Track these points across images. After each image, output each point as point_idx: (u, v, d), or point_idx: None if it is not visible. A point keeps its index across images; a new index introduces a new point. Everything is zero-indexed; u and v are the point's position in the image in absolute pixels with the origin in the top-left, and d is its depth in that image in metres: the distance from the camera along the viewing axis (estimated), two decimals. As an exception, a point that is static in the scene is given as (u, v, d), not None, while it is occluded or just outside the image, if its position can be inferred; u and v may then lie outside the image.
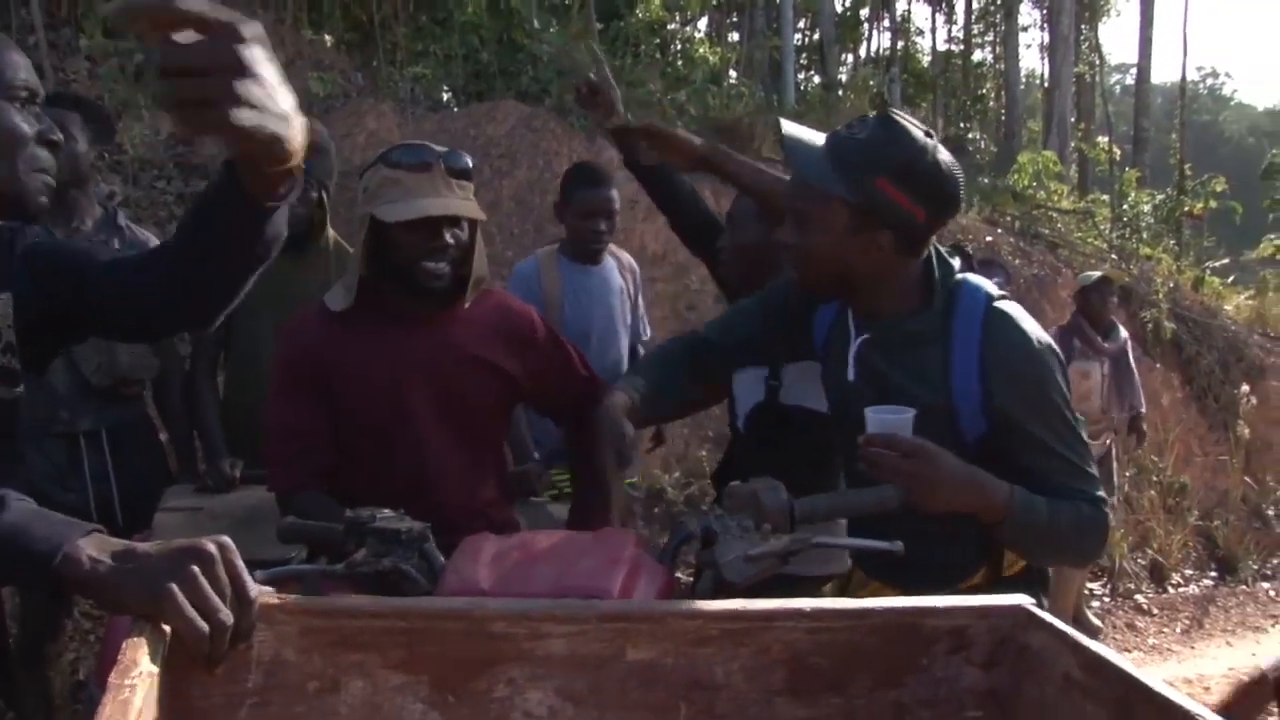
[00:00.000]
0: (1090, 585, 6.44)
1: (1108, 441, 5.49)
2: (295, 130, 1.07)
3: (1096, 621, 5.88)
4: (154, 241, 3.12)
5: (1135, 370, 5.44)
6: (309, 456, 1.99)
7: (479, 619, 1.14)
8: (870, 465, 1.61)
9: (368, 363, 2.03)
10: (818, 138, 1.72)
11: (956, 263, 1.79)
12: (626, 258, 3.74)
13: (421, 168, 2.00)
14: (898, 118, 1.67)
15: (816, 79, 17.23)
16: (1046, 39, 20.31)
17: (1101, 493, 1.73)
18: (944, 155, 1.68)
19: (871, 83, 13.77)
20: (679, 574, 1.91)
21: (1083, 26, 20.21)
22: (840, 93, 12.80)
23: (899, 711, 1.37)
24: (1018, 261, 8.51)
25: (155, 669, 0.94)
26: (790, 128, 1.72)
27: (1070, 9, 17.93)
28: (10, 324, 1.37)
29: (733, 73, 12.87)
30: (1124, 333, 5.51)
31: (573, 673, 1.19)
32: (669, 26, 13.72)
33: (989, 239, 8.67)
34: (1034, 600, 1.79)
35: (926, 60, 21.53)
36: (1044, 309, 7.60)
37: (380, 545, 1.46)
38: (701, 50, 12.42)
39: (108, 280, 1.40)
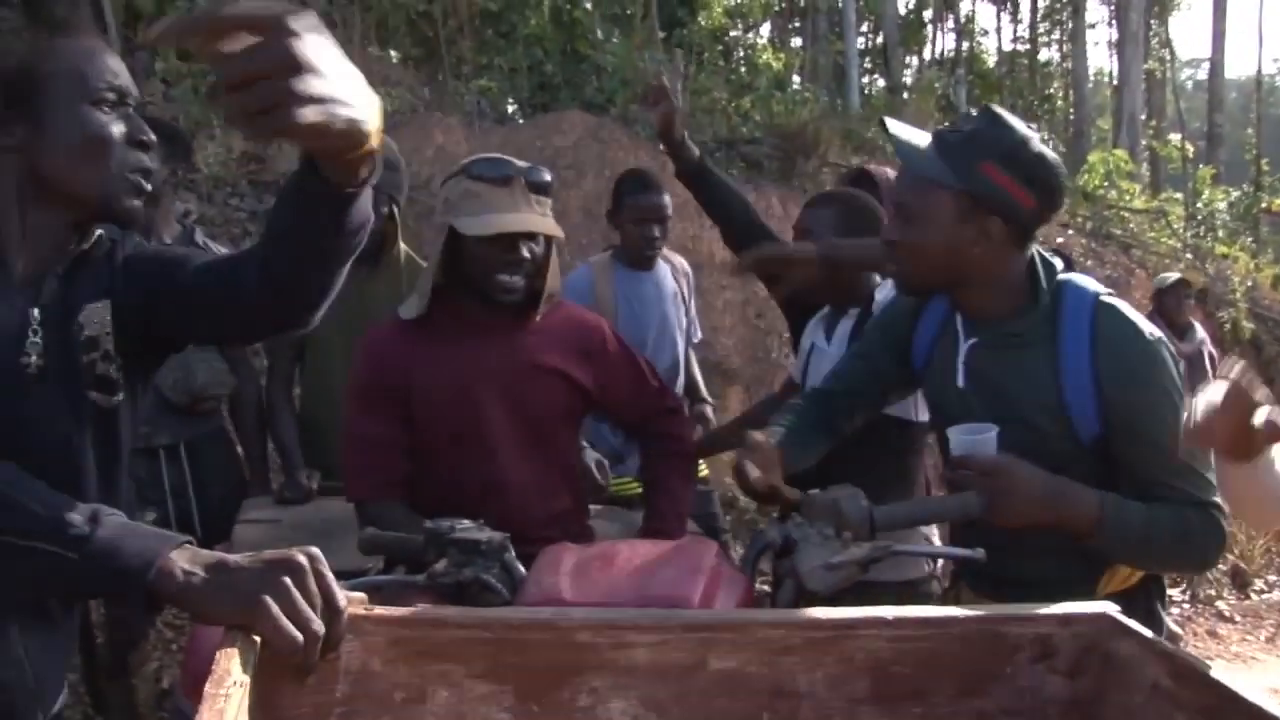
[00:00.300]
0: (1170, 591, 6.29)
1: None
2: (368, 112, 1.02)
3: (1176, 629, 5.74)
4: None
5: (1210, 372, 5.32)
6: (385, 466, 2.02)
7: (563, 629, 1.15)
8: (952, 488, 1.63)
9: (441, 371, 2.06)
10: (923, 135, 1.73)
11: (1059, 263, 1.78)
12: (680, 261, 3.76)
13: (502, 182, 2.02)
14: (1000, 111, 1.69)
15: (881, 82, 17.12)
16: (1115, 35, 19.94)
17: (1216, 497, 1.67)
18: (1046, 147, 1.69)
19: (936, 85, 13.63)
20: (758, 584, 1.91)
21: (1152, 21, 19.82)
22: (905, 95, 12.69)
23: (983, 719, 1.36)
24: (1090, 263, 8.38)
25: (247, 679, 0.96)
26: (896, 126, 1.72)
27: (1139, 4, 17.59)
28: (109, 331, 1.37)
29: (796, 78, 12.85)
30: (1201, 333, 5.40)
31: (656, 682, 1.19)
32: (732, 33, 13.74)
33: (1060, 240, 8.54)
34: (1147, 609, 1.79)
35: (992, 61, 21.26)
36: (1119, 310, 7.45)
37: (461, 556, 1.48)
38: (765, 56, 12.39)
39: (205, 282, 1.39)
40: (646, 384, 2.25)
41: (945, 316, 1.86)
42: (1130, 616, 1.75)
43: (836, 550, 1.39)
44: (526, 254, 2.03)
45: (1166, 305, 5.25)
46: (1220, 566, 6.79)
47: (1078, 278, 1.76)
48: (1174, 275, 5.34)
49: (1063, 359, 1.67)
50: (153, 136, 1.35)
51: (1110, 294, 1.74)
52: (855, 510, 1.44)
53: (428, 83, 7.41)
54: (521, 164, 2.08)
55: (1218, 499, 1.67)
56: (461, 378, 2.06)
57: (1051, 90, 20.41)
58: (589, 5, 8.11)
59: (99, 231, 1.41)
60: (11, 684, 1.38)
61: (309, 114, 0.92)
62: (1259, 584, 6.84)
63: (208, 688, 0.90)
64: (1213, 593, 6.51)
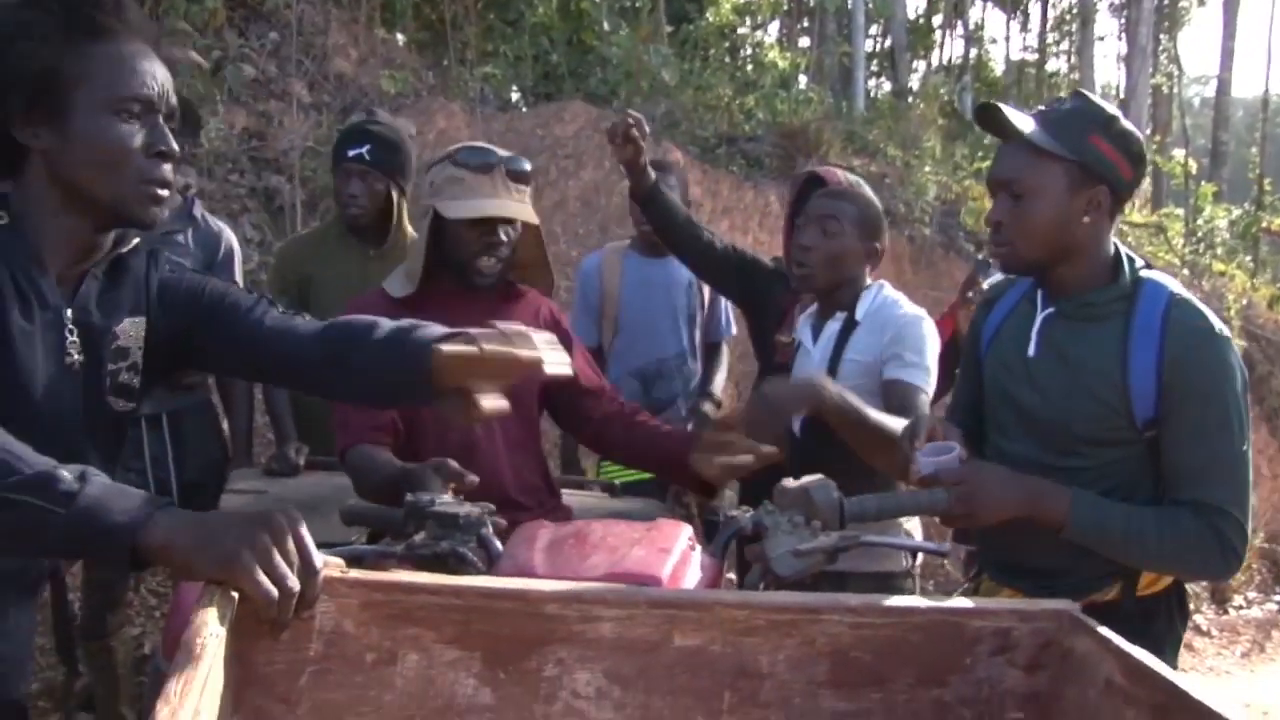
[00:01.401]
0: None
1: None
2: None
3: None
4: (227, 232, 3.21)
5: None
6: (370, 417, 2.08)
7: (532, 600, 1.18)
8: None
9: None
10: (1026, 118, 1.81)
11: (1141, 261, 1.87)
12: None
13: (484, 169, 2.13)
14: (1088, 93, 1.81)
15: (887, 86, 17.10)
16: (1124, 49, 19.94)
17: (1234, 509, 1.71)
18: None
19: (942, 90, 13.63)
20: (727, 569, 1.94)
21: (1161, 36, 19.82)
22: (910, 100, 12.69)
23: (941, 710, 1.39)
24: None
25: (224, 631, 0.99)
26: (1007, 109, 1.79)
27: (1149, 19, 17.57)
28: (140, 346, 1.44)
29: (803, 78, 12.83)
30: None
31: (621, 656, 1.22)
32: (739, 31, 13.72)
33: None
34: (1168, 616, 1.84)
35: (1000, 69, 21.24)
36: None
37: (439, 529, 1.51)
38: (771, 55, 12.37)
39: (266, 340, 1.49)
40: (594, 369, 2.37)
41: (1023, 294, 1.95)
42: (1147, 626, 1.81)
43: (805, 538, 1.42)
44: (504, 238, 2.14)
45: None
46: (1201, 582, 6.84)
47: (1161, 274, 1.84)
48: None
49: (1133, 335, 1.75)
50: (175, 147, 1.36)
51: (1188, 292, 1.81)
52: (825, 500, 1.47)
53: (432, 67, 7.41)
54: (504, 153, 2.19)
55: (1234, 510, 1.71)
56: None
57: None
58: (596, -3, 8.14)
59: (136, 239, 1.46)
60: (6, 657, 1.43)
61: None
62: (1238, 599, 6.88)
63: (185, 636, 0.93)
64: (1191, 607, 6.55)
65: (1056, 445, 1.80)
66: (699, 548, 1.52)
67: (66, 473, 1.08)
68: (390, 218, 2.99)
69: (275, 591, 1.03)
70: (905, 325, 2.30)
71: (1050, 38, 21.82)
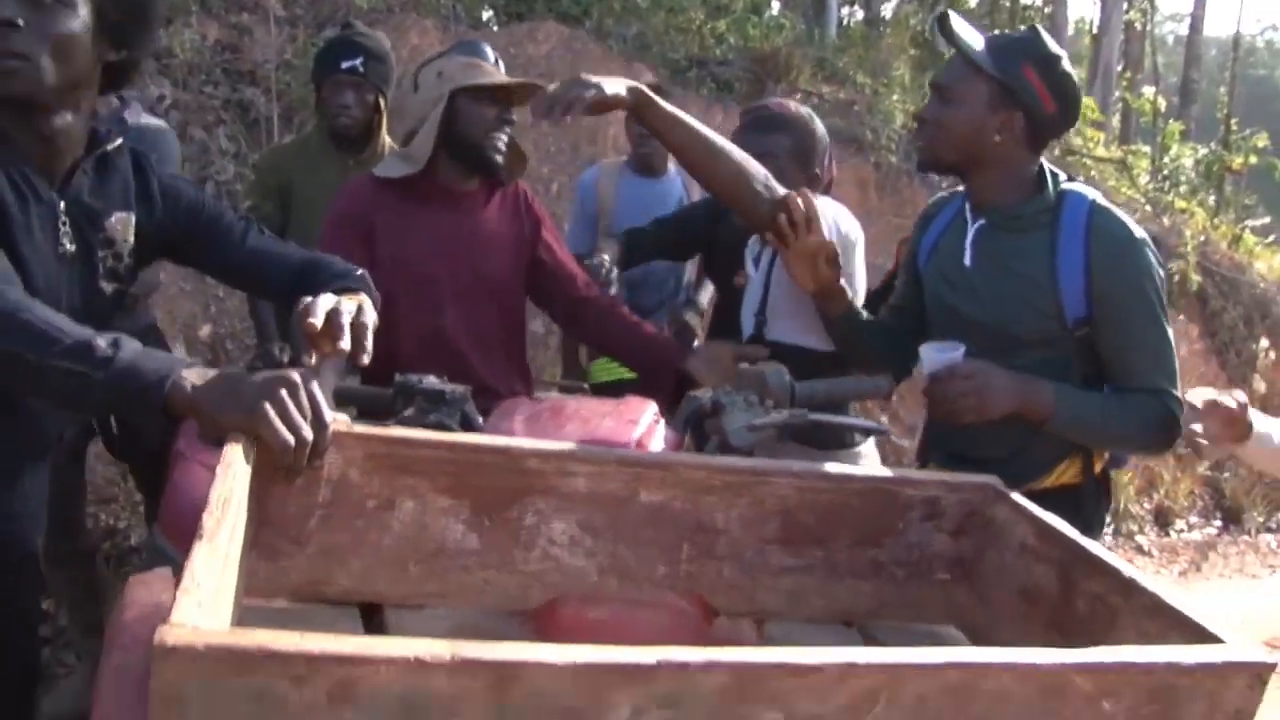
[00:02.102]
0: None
1: None
2: None
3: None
4: (166, 134, 3.12)
5: None
6: None
7: (514, 455, 1.33)
8: (932, 402, 1.84)
9: (411, 230, 2.27)
10: (978, 35, 1.97)
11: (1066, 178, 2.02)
12: None
13: (489, 59, 2.37)
14: (1044, 32, 1.96)
15: (860, 15, 17.05)
16: (1097, -17, 19.89)
17: (1175, 390, 1.90)
18: (1074, 71, 1.97)
19: (914, 21, 13.63)
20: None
21: (1135, -29, 19.79)
22: (882, 29, 12.71)
23: (876, 568, 1.56)
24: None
25: (249, 468, 1.13)
26: (957, 21, 1.95)
27: (1122, -47, 17.56)
28: (126, 239, 1.59)
29: (776, 4, 12.78)
30: None
31: (592, 508, 1.38)
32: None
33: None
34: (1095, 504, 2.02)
35: (974, 1, 21.17)
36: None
37: (427, 404, 1.64)
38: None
39: (246, 265, 1.71)
40: (570, 262, 2.49)
41: (956, 211, 2.10)
42: (1077, 510, 1.99)
43: (759, 415, 1.57)
44: (512, 118, 2.31)
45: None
46: (1146, 505, 7.13)
47: (1082, 185, 2.01)
48: None
49: (1060, 243, 1.91)
50: (5, 14, 1.38)
51: (1107, 201, 1.97)
52: (778, 382, 1.62)
53: (405, -18, 7.37)
54: None
55: (1175, 391, 1.91)
56: (425, 235, 2.27)
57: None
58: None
59: (120, 138, 1.59)
60: (23, 515, 1.59)
61: None
62: (1180, 524, 7.18)
63: (219, 470, 1.07)
64: (1135, 528, 6.84)
65: (995, 348, 1.94)
66: (663, 421, 1.67)
67: (102, 340, 1.21)
68: (372, 128, 3.07)
69: (292, 440, 1.17)
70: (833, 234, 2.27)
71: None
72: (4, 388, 1.39)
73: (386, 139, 3.13)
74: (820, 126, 2.47)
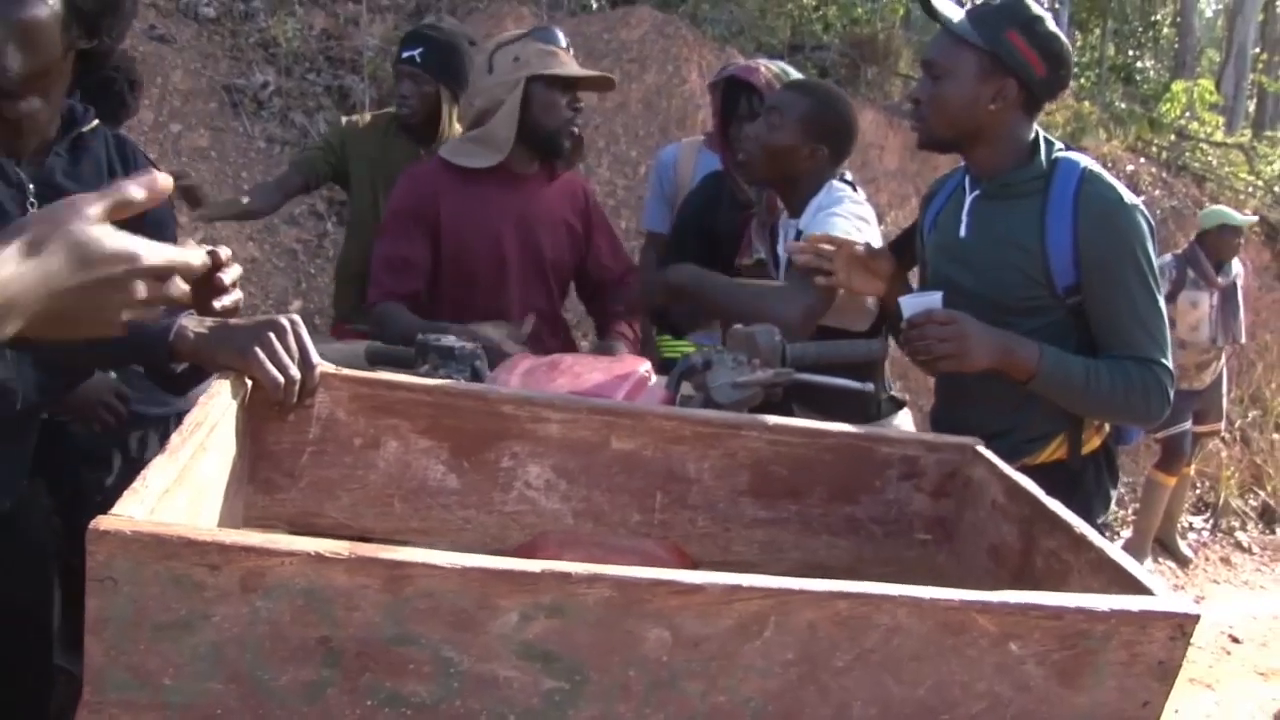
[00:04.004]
0: (1192, 519, 6.42)
1: (1218, 370, 5.50)
2: None
3: (1188, 552, 5.89)
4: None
5: (1242, 305, 5.40)
6: (400, 280, 2.37)
7: (490, 400, 1.43)
8: (911, 348, 1.85)
9: (474, 210, 2.40)
10: (957, 8, 1.99)
11: (1061, 145, 2.02)
12: None
13: (563, 47, 2.51)
14: None
15: (978, -2, 16.66)
16: (1236, -40, 19.00)
17: (1165, 360, 1.89)
18: (1059, 30, 1.97)
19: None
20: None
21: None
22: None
23: (853, 524, 1.61)
24: (1158, 193, 8.29)
25: (235, 405, 1.26)
26: None
27: (1262, -70, 16.75)
28: None
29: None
30: (1237, 268, 5.46)
31: (566, 454, 1.47)
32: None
33: (1130, 169, 8.45)
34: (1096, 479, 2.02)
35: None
36: (1179, 241, 7.42)
37: (439, 360, 1.76)
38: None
39: None
40: (619, 247, 2.62)
41: (956, 185, 2.12)
42: (1075, 486, 2.00)
43: (745, 374, 1.64)
44: (581, 106, 2.44)
45: (1208, 241, 5.35)
46: (1250, 501, 6.88)
47: (1076, 154, 2.00)
48: (1221, 219, 5.37)
49: (1049, 210, 1.92)
50: None
51: (1100, 168, 1.97)
52: (767, 342, 1.68)
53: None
54: None
55: (1165, 360, 1.90)
56: (489, 216, 2.40)
57: (1157, 18, 19.62)
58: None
59: (95, 121, 1.65)
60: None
61: None
62: (1286, 522, 6.91)
63: (201, 398, 1.20)
64: (1236, 524, 6.61)
65: (988, 317, 1.93)
66: (655, 378, 1.75)
67: None
68: (439, 119, 3.15)
69: (281, 377, 1.30)
70: (825, 196, 2.29)
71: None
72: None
73: (458, 129, 3.18)
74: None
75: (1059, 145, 2.01)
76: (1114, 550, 1.28)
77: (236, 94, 5.04)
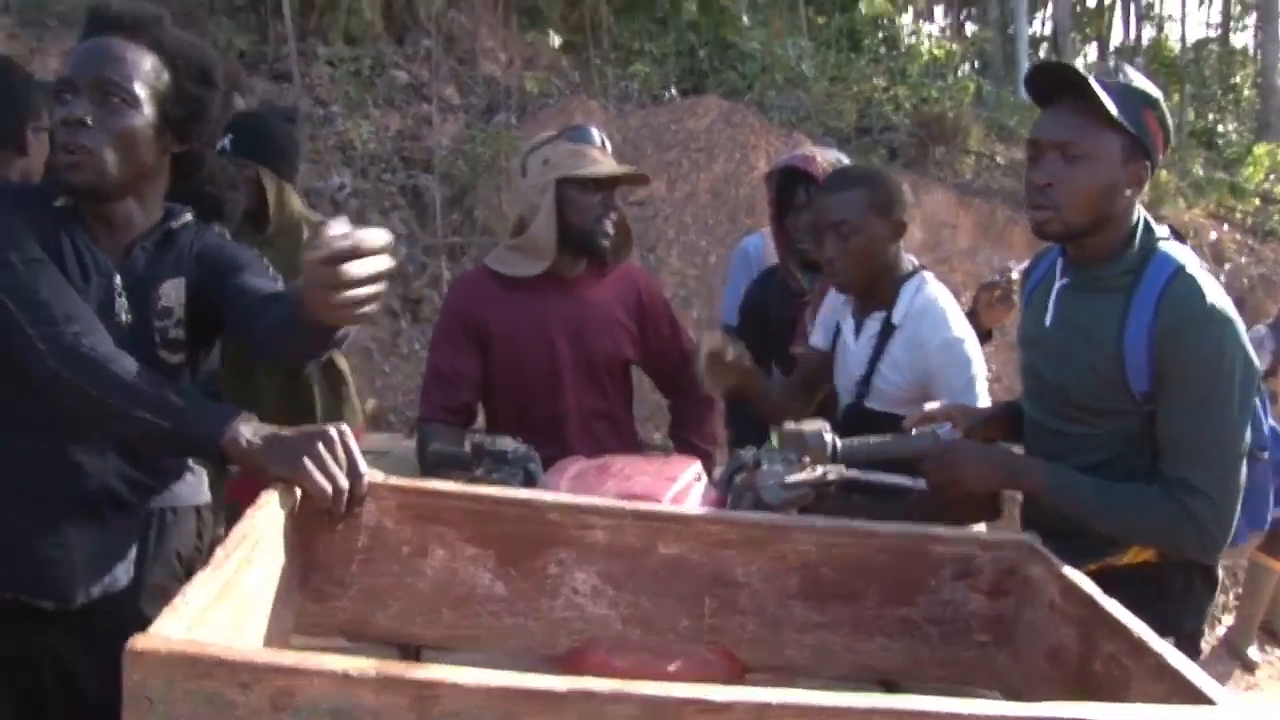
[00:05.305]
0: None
1: None
2: None
3: (1256, 657, 5.50)
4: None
5: None
6: (451, 394, 2.37)
7: (536, 507, 1.44)
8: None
9: (522, 319, 2.39)
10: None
11: (1165, 231, 1.90)
12: None
13: (596, 143, 2.47)
14: (1135, 70, 1.86)
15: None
16: (1317, 23, 18.67)
17: (1213, 489, 1.73)
18: None
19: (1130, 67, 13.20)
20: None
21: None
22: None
23: (909, 626, 1.58)
24: (1244, 260, 8.09)
25: (283, 516, 1.29)
26: (1085, 73, 1.81)
27: (1343, -10, 16.47)
28: (182, 303, 1.71)
29: (967, 67, 12.65)
30: None
31: (612, 559, 1.47)
32: (903, 20, 13.67)
33: (1214, 236, 8.27)
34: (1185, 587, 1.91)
35: (1178, 49, 20.29)
36: (1268, 309, 7.20)
37: (493, 463, 1.79)
38: (925, 44, 12.29)
39: (237, 303, 1.67)
40: (681, 346, 2.56)
41: (1050, 266, 2.01)
42: (1160, 594, 1.91)
43: (794, 473, 1.63)
44: (616, 203, 2.42)
45: (1299, 306, 5.17)
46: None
47: (1176, 247, 1.87)
48: None
49: (1132, 309, 1.79)
50: (76, 115, 1.54)
51: (1200, 267, 1.83)
52: (816, 439, 1.67)
53: (579, 67, 7.77)
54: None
55: (1212, 489, 1.73)
56: (538, 323, 2.39)
57: (1236, 80, 19.34)
58: (736, -7, 8.34)
59: (187, 216, 1.73)
60: (60, 561, 1.66)
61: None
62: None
63: (249, 510, 1.23)
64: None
65: (1060, 412, 1.88)
66: (705, 479, 1.75)
67: (173, 394, 1.41)
68: (268, 204, 2.96)
69: (329, 488, 1.33)
70: (946, 353, 2.18)
71: (1236, 9, 20.68)
72: (81, 421, 1.55)
73: (296, 208, 3.06)
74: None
75: (1161, 233, 1.87)
76: (1175, 656, 1.24)
77: (315, 196, 5.23)
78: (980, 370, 2.20)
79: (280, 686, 0.89)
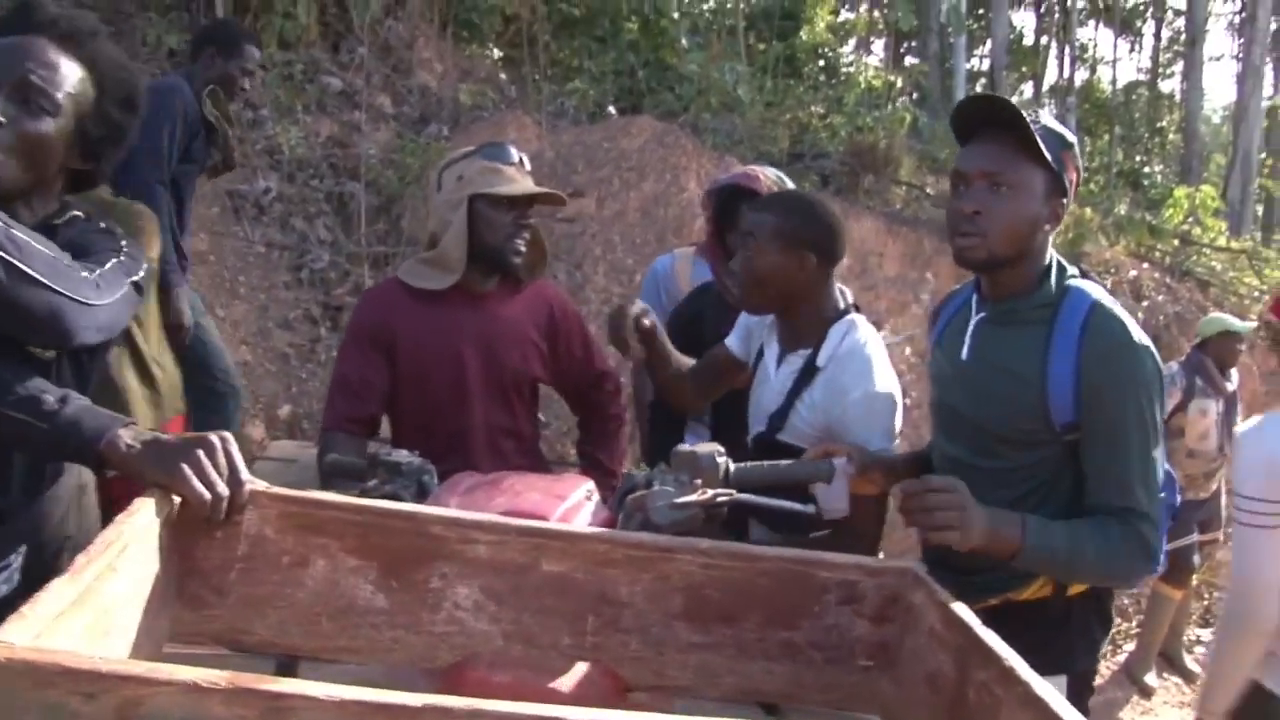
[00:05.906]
0: (1199, 631, 6.29)
1: (1221, 477, 5.43)
2: None
3: (1194, 666, 5.76)
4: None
5: (1237, 413, 5.37)
6: (356, 404, 2.35)
7: (419, 520, 1.44)
8: (911, 516, 1.71)
9: (432, 332, 2.38)
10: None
11: (1076, 271, 1.93)
12: None
13: (511, 161, 2.43)
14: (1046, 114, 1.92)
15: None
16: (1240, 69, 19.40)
17: (1152, 511, 1.77)
18: None
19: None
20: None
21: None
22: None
23: (791, 650, 1.59)
24: (1161, 298, 8.32)
25: (158, 523, 1.27)
26: (1021, 108, 1.85)
27: (1263, 39, 17.10)
28: None
29: (904, 99, 12.86)
30: (1235, 374, 5.45)
31: (495, 576, 1.47)
32: (843, 50, 13.89)
33: (1134, 274, 8.50)
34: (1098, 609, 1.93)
35: (1109, 90, 20.90)
36: (1182, 347, 7.41)
37: (386, 474, 1.78)
38: (862, 74, 12.48)
39: None
40: (592, 364, 2.58)
41: (963, 302, 2.04)
42: (1061, 625, 1.93)
43: (687, 493, 1.64)
44: (530, 221, 2.42)
45: (1211, 348, 5.34)
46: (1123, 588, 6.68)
47: (1088, 283, 1.91)
48: (1221, 325, 5.38)
49: (1053, 342, 1.82)
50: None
51: (1113, 302, 1.87)
52: (709, 462, 1.69)
53: (516, 82, 7.77)
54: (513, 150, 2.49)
55: (1151, 513, 1.77)
56: (447, 337, 2.38)
57: (1163, 124, 19.97)
58: (675, 15, 8.40)
59: (73, 211, 1.65)
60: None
61: None
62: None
63: (124, 515, 1.21)
64: None
65: (977, 446, 1.89)
66: (596, 498, 1.75)
67: (50, 395, 1.38)
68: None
69: (207, 495, 1.31)
70: (866, 405, 2.11)
71: (1163, 58, 21.38)
72: None
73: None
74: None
75: (1072, 271, 1.92)
76: (1042, 686, 1.26)
77: (239, 199, 5.16)
78: (896, 425, 2.17)
79: (127, 696, 0.88)
